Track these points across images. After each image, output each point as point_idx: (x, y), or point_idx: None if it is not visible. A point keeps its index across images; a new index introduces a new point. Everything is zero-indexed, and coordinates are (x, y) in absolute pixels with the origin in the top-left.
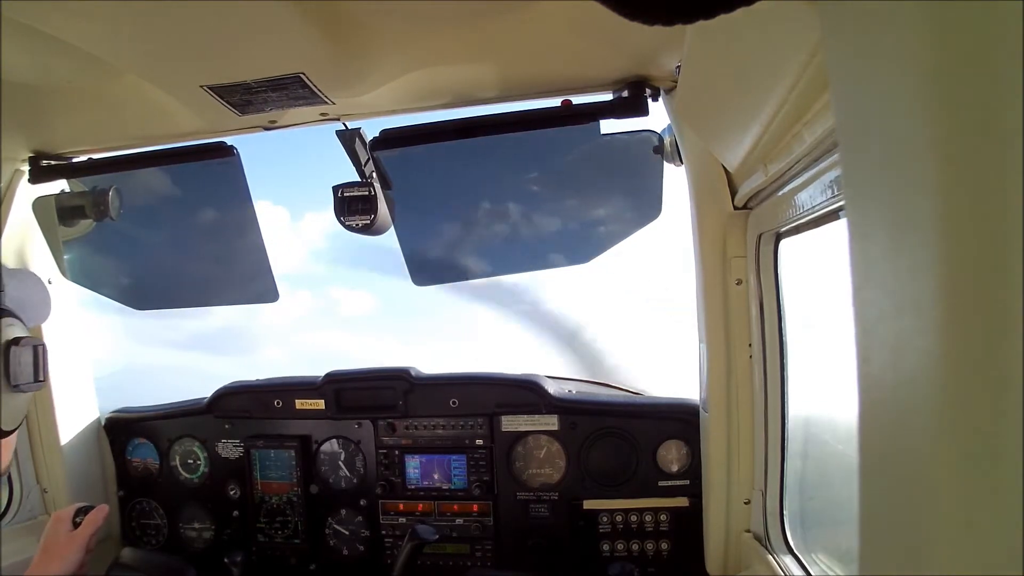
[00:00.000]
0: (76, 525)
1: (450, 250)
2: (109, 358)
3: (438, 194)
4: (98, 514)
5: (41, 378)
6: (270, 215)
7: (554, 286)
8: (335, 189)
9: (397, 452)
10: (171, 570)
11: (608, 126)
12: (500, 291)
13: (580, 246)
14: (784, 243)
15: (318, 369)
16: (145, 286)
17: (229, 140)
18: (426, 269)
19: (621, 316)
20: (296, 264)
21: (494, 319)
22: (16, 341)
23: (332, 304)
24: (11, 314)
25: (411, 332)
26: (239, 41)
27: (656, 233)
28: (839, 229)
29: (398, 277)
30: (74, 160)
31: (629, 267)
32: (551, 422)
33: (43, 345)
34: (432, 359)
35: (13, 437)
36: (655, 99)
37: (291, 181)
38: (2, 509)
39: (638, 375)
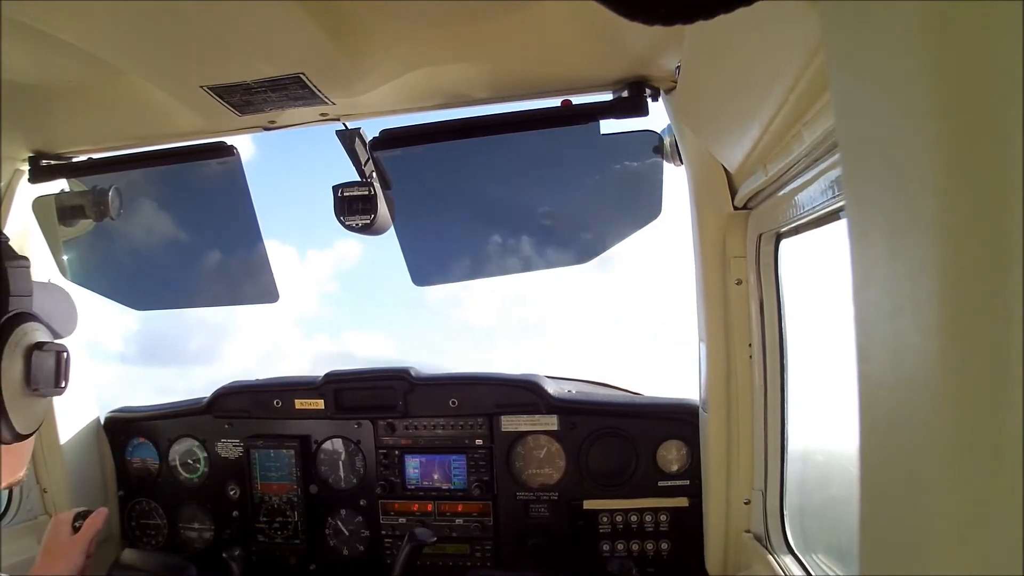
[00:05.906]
0: (76, 530)
1: (450, 250)
2: None
3: (438, 194)
4: (98, 517)
5: (63, 384)
6: (280, 256)
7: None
8: (335, 189)
9: (397, 452)
10: (171, 570)
11: (608, 126)
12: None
13: (580, 246)
14: (784, 243)
15: None
16: (145, 286)
17: (229, 140)
18: (426, 269)
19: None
20: (311, 308)
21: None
22: (40, 345)
23: (349, 347)
24: (37, 319)
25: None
26: (239, 41)
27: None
28: (840, 229)
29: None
30: (74, 160)
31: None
32: (551, 422)
33: (67, 351)
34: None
35: (31, 442)
36: (655, 99)
37: (298, 221)
38: (2, 509)
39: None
